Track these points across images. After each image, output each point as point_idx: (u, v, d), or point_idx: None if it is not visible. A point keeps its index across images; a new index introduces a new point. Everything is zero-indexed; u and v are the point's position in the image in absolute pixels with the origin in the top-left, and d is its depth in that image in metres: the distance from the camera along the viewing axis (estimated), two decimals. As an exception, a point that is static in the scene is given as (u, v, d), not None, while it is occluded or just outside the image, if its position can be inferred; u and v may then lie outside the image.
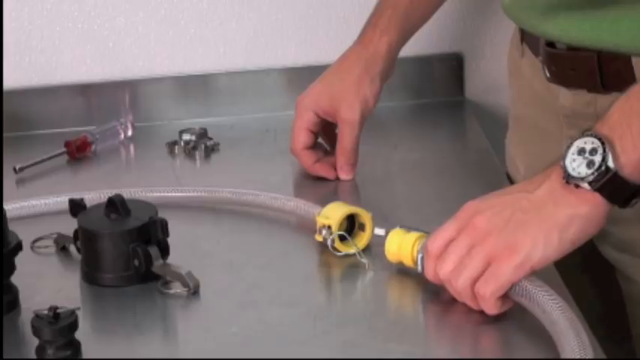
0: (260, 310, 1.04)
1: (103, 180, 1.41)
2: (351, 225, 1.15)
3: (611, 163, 0.94)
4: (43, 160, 1.44)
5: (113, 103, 1.60)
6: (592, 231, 0.97)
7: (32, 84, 1.60)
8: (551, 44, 1.16)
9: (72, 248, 1.16)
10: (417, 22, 1.38)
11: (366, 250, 1.13)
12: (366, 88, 1.32)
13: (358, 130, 1.31)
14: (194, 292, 1.07)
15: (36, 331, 0.95)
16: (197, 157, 1.46)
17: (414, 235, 1.06)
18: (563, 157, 0.96)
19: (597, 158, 0.95)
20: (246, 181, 1.32)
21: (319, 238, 1.13)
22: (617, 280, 1.21)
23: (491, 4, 1.63)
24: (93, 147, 1.49)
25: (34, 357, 0.97)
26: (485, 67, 1.65)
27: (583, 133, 0.97)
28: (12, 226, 1.07)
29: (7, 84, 1.57)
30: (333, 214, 1.13)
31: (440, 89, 1.64)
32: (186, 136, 1.48)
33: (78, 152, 1.47)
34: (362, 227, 1.14)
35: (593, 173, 0.95)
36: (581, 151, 0.96)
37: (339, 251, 1.13)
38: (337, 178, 1.33)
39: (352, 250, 1.12)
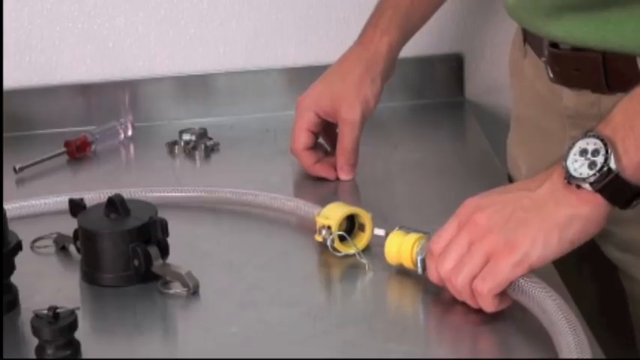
0: (260, 310, 1.04)
1: (102, 180, 1.41)
2: (351, 225, 1.15)
3: (613, 165, 0.94)
4: (42, 160, 1.44)
5: (113, 103, 1.60)
6: (592, 231, 0.97)
7: (32, 84, 1.60)
8: (555, 45, 1.16)
9: (72, 248, 1.16)
10: (417, 22, 1.38)
11: (366, 250, 1.13)
12: (367, 88, 1.32)
13: (359, 130, 1.31)
14: (194, 292, 1.07)
15: (36, 331, 0.95)
16: (197, 157, 1.46)
17: (413, 237, 1.06)
18: (565, 158, 0.96)
19: (599, 159, 0.94)
20: (246, 181, 1.32)
21: (319, 238, 1.13)
22: (619, 280, 1.21)
23: (492, 4, 1.63)
24: (93, 147, 1.49)
25: (34, 357, 0.97)
26: (485, 67, 1.65)
27: (585, 134, 0.97)
28: (12, 226, 1.07)
29: (7, 84, 1.57)
30: (333, 214, 1.13)
31: (440, 90, 1.64)
32: (186, 136, 1.48)
33: (78, 152, 1.47)
34: (362, 227, 1.14)
35: (594, 174, 0.95)
36: (583, 152, 0.96)
37: (339, 251, 1.13)
38: (337, 179, 1.33)
39: (352, 251, 1.12)
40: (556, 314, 0.92)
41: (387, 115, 1.53)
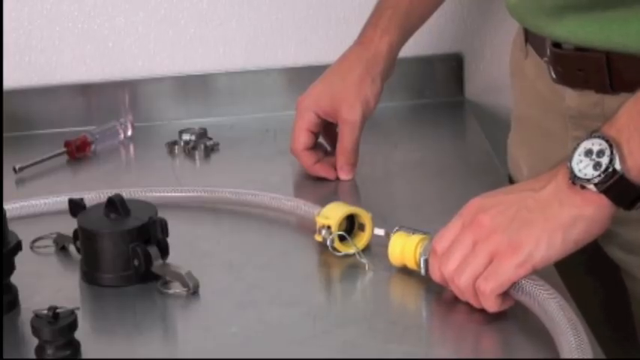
0: (260, 310, 1.04)
1: (102, 180, 1.41)
2: (351, 225, 1.15)
3: (617, 166, 0.94)
4: (42, 160, 1.44)
5: (113, 103, 1.60)
6: (596, 232, 0.97)
7: (32, 84, 1.60)
8: (557, 45, 1.15)
9: (71, 248, 1.16)
10: (417, 22, 1.38)
11: (366, 250, 1.13)
12: (367, 88, 1.32)
13: (359, 130, 1.31)
14: (194, 292, 1.07)
15: (35, 331, 0.95)
16: (197, 157, 1.46)
17: (416, 238, 1.06)
18: (570, 158, 0.96)
19: (604, 160, 0.94)
20: (246, 181, 1.32)
21: (319, 238, 1.13)
22: (621, 280, 1.21)
23: (492, 4, 1.62)
24: (93, 147, 1.49)
25: (34, 357, 0.96)
26: (485, 67, 1.65)
27: (590, 135, 0.96)
28: (12, 226, 1.07)
29: (7, 84, 1.57)
30: (333, 214, 1.13)
31: (440, 89, 1.64)
32: (186, 136, 1.48)
33: (78, 152, 1.47)
34: (362, 227, 1.14)
35: (599, 175, 0.94)
36: (588, 153, 0.95)
37: (339, 251, 1.12)
38: (337, 179, 1.33)
39: (352, 250, 1.12)
40: (557, 314, 0.92)
41: (387, 114, 1.53)
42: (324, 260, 1.13)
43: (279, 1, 1.61)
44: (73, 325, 0.96)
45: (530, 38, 1.23)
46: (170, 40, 1.61)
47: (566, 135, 1.18)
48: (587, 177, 0.95)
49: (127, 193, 1.17)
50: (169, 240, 1.11)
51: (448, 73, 1.64)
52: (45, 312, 0.95)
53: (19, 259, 1.06)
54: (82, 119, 1.58)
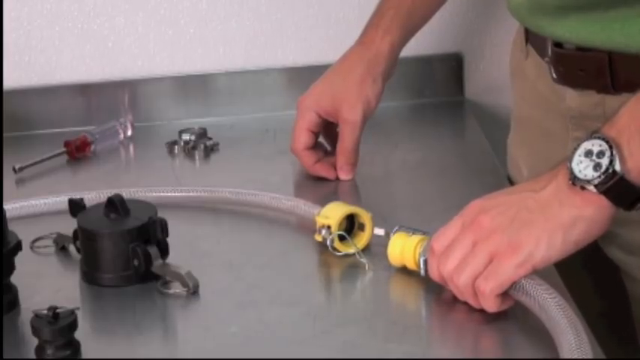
0: (260, 310, 1.04)
1: (102, 180, 1.41)
2: (351, 225, 1.15)
3: (617, 167, 0.94)
4: (42, 160, 1.44)
5: (113, 103, 1.60)
6: (596, 233, 0.97)
7: (32, 84, 1.60)
8: (559, 45, 1.15)
9: (71, 248, 1.16)
10: (419, 22, 1.37)
11: (366, 250, 1.13)
12: (369, 88, 1.31)
13: (359, 130, 1.31)
14: (193, 291, 1.07)
15: (35, 331, 0.95)
16: (197, 157, 1.46)
17: (416, 238, 1.06)
18: (570, 159, 0.96)
19: (604, 161, 0.94)
20: (246, 181, 1.32)
21: (319, 238, 1.13)
22: (621, 281, 1.21)
23: (492, 4, 1.62)
24: (92, 147, 1.49)
25: (34, 357, 0.96)
26: (485, 67, 1.65)
27: (591, 135, 0.96)
28: (12, 226, 1.07)
29: (7, 84, 1.57)
30: (333, 213, 1.13)
31: (440, 89, 1.64)
32: (185, 136, 1.48)
33: (77, 152, 1.47)
34: (361, 227, 1.14)
35: (599, 176, 0.94)
36: (588, 153, 0.95)
37: (339, 251, 1.12)
38: (337, 179, 1.33)
39: (352, 250, 1.12)
40: (557, 314, 0.92)
41: (387, 114, 1.53)
42: (324, 260, 1.13)
43: (279, 1, 1.61)
44: (73, 325, 0.96)
45: (531, 38, 1.23)
46: (170, 40, 1.61)
47: (567, 135, 1.18)
48: (587, 178, 0.95)
49: (126, 193, 1.17)
50: (169, 240, 1.11)
51: (448, 72, 1.64)
52: (45, 312, 0.95)
53: (19, 259, 1.06)
54: (82, 119, 1.58)
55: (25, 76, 1.60)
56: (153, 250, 1.09)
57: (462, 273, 0.98)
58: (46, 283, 1.11)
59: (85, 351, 0.97)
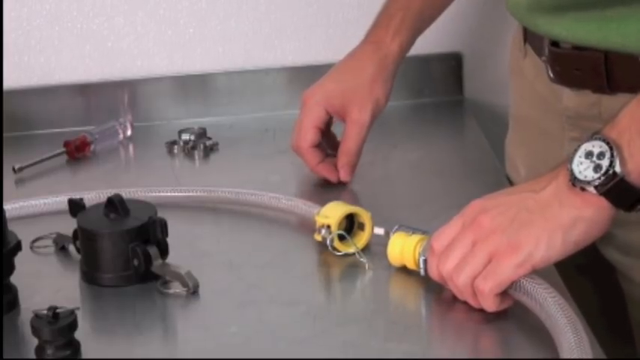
0: (260, 310, 1.04)
1: (102, 180, 1.41)
2: (351, 224, 1.15)
3: (618, 168, 0.94)
4: (42, 160, 1.44)
5: (112, 103, 1.60)
6: (596, 234, 0.97)
7: (31, 84, 1.60)
8: (555, 44, 1.15)
9: (71, 248, 1.16)
10: (426, 23, 1.35)
11: (366, 249, 1.13)
12: (379, 88, 1.30)
13: (366, 131, 1.29)
14: (193, 291, 1.07)
15: (35, 331, 0.95)
16: (196, 156, 1.46)
17: (415, 238, 1.06)
18: (570, 160, 0.96)
19: (604, 163, 0.94)
20: (246, 181, 1.32)
21: (318, 237, 1.13)
22: (617, 282, 1.21)
23: (491, 3, 1.62)
24: (92, 147, 1.49)
25: (34, 357, 0.96)
26: (484, 66, 1.65)
27: (591, 136, 0.96)
28: (11, 226, 1.07)
29: (7, 84, 1.57)
30: (333, 213, 1.13)
31: (439, 89, 1.64)
32: (185, 136, 1.48)
33: (77, 152, 1.47)
34: (361, 227, 1.14)
35: (599, 177, 0.94)
36: (588, 155, 0.95)
37: (339, 251, 1.12)
38: (339, 181, 1.31)
39: (351, 250, 1.12)
40: (557, 313, 0.92)
41: (386, 114, 1.52)
42: (323, 260, 1.13)
43: (279, 1, 1.61)
44: (73, 325, 0.96)
45: (529, 37, 1.23)
46: (169, 40, 1.61)
47: (563, 135, 1.18)
48: (587, 179, 0.95)
49: (126, 193, 1.17)
50: (169, 240, 1.11)
51: (447, 72, 1.64)
52: (45, 312, 0.95)
53: (19, 259, 1.06)
54: (82, 119, 1.58)
55: (25, 76, 1.60)
56: (153, 250, 1.09)
57: (462, 272, 0.98)
58: (45, 283, 1.11)
59: (85, 351, 0.97)
